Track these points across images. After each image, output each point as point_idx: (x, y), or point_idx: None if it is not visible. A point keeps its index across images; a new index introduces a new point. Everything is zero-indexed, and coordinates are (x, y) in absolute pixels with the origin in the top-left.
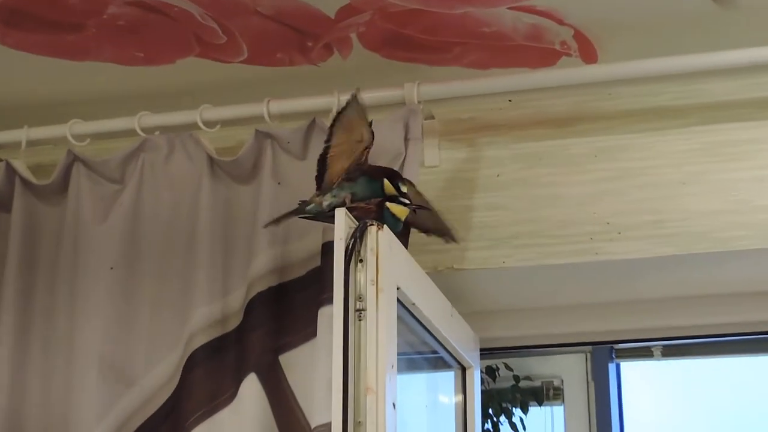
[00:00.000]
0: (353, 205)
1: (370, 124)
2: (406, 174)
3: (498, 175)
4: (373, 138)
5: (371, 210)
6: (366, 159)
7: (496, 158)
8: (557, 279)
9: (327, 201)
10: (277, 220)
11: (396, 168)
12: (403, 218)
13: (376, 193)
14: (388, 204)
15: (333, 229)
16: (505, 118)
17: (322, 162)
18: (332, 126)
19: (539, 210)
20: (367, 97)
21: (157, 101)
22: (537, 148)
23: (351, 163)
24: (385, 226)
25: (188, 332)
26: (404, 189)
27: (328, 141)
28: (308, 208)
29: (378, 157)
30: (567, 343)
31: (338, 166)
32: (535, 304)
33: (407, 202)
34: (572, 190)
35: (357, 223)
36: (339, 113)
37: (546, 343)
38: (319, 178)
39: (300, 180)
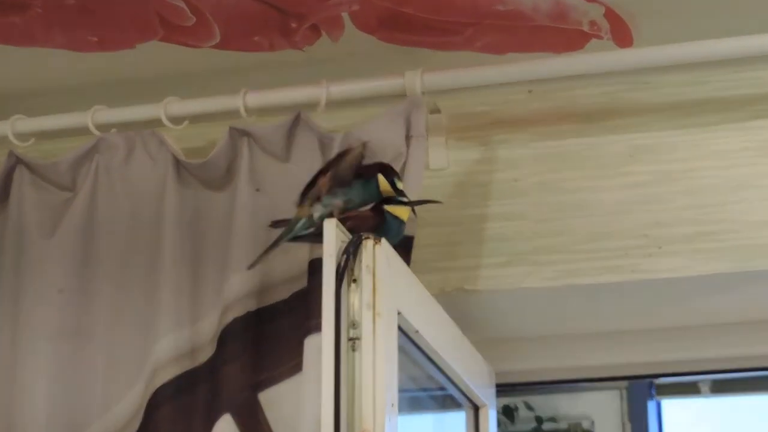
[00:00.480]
0: (347, 215)
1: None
2: (408, 178)
3: (516, 180)
4: (361, 153)
5: (369, 218)
6: (362, 158)
7: (514, 159)
8: (586, 302)
9: (318, 212)
10: (266, 252)
11: (397, 169)
12: (406, 219)
13: (373, 196)
14: (387, 207)
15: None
16: (524, 112)
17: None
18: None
19: (565, 220)
20: (362, 87)
21: (115, 94)
22: (562, 147)
23: (344, 164)
24: (383, 240)
25: (151, 366)
26: (400, 185)
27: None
28: (298, 225)
29: (377, 157)
30: (598, 377)
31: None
32: (561, 331)
33: (406, 199)
34: (603, 196)
35: (350, 237)
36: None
37: (574, 378)
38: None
39: (282, 186)
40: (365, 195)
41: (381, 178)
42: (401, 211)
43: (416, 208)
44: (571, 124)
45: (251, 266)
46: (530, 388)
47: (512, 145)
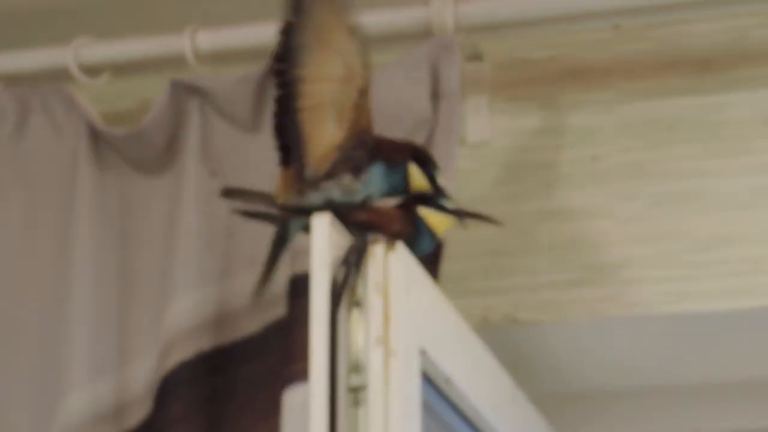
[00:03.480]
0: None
1: (364, 45)
2: (437, 154)
3: (594, 159)
4: (370, 71)
5: (394, 219)
6: (368, 120)
7: (592, 129)
8: (700, 339)
9: (310, 203)
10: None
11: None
12: (442, 233)
13: (398, 190)
14: (422, 210)
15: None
16: (607, 60)
17: (290, 120)
18: (293, 38)
19: (669, 218)
20: (368, 22)
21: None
22: (663, 111)
23: (349, 130)
24: (398, 245)
25: None
26: (441, 180)
27: (290, 70)
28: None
29: (389, 127)
30: None
31: (323, 132)
32: (661, 382)
33: (450, 206)
34: (726, 183)
35: (350, 240)
36: (302, 9)
37: None
38: (285, 151)
39: (248, 168)
40: (385, 187)
41: (413, 169)
42: (439, 221)
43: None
44: (678, 77)
45: (259, 292)
46: None
47: (589, 109)
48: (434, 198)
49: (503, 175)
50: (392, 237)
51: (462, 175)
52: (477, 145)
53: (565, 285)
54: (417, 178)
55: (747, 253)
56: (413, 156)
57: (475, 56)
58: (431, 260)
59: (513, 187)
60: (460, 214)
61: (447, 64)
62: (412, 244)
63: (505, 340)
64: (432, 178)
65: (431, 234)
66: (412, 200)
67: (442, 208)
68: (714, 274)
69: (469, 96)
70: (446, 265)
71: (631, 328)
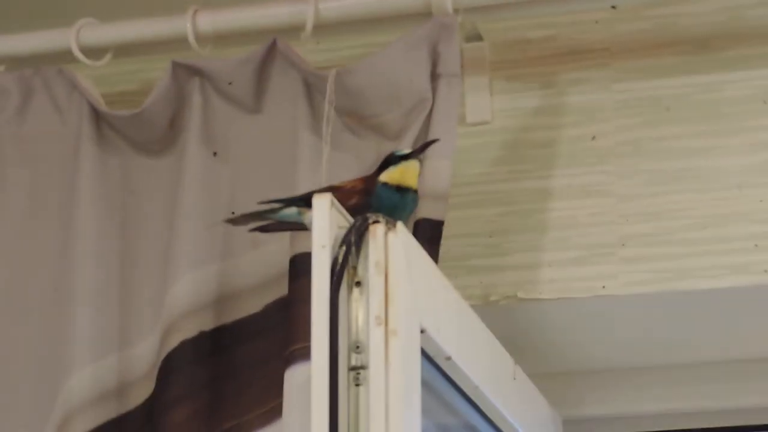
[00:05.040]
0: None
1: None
2: (436, 135)
3: (594, 138)
4: None
5: (354, 192)
6: None
7: (591, 108)
8: (699, 316)
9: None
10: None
11: (419, 124)
12: (414, 182)
13: (397, 203)
14: (381, 177)
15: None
16: (605, 39)
17: None
18: None
19: (666, 196)
20: (370, 1)
21: (2, 14)
22: (662, 90)
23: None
24: (399, 225)
25: (61, 412)
26: (401, 153)
27: None
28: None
29: (388, 107)
30: (719, 427)
31: None
32: (662, 360)
33: (407, 151)
34: (724, 162)
35: (351, 220)
36: None
37: (680, 429)
38: None
39: (250, 148)
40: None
41: (390, 174)
42: (401, 172)
43: (439, 179)
44: (676, 55)
45: (233, 222)
46: None
47: (588, 88)
48: (389, 159)
49: (503, 155)
50: (351, 211)
51: (462, 155)
52: (477, 124)
53: (565, 263)
54: (400, 176)
55: (746, 231)
56: (377, 172)
57: (475, 36)
58: (431, 242)
59: (513, 166)
60: (414, 155)
61: (446, 44)
62: (396, 209)
63: (506, 319)
64: (395, 158)
65: (401, 189)
66: (376, 171)
67: (397, 160)
68: (713, 251)
69: (469, 76)
70: (447, 244)
71: (631, 306)
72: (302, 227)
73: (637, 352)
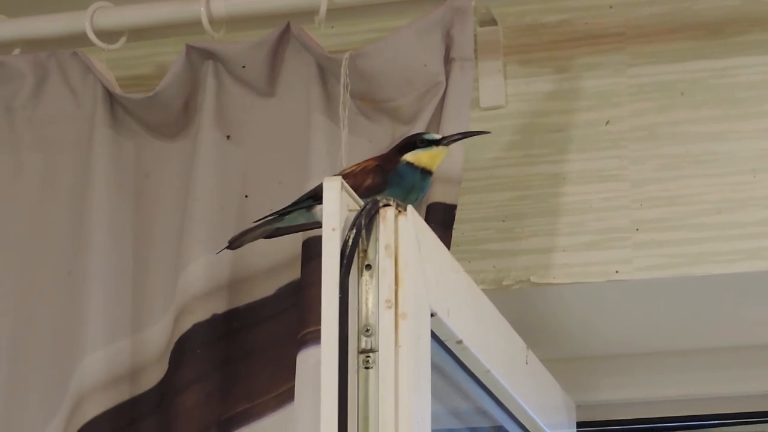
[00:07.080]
0: (343, 172)
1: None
2: (449, 119)
3: (608, 122)
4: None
5: (368, 174)
6: None
7: (605, 93)
8: (714, 302)
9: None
10: (261, 226)
11: (432, 108)
12: (435, 167)
13: (416, 183)
14: (406, 156)
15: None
16: (620, 23)
17: None
18: None
19: (680, 180)
20: None
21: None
22: (676, 73)
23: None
24: (409, 208)
25: (74, 395)
26: (430, 137)
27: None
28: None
29: (402, 91)
30: (733, 413)
31: None
32: (676, 345)
33: (438, 136)
34: (739, 146)
35: (361, 203)
36: None
37: (694, 414)
38: None
39: (264, 131)
40: (407, 184)
41: (413, 156)
42: (429, 157)
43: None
44: (691, 40)
45: (234, 244)
46: (627, 429)
47: (602, 72)
48: (416, 140)
49: (517, 139)
50: (368, 192)
51: (476, 139)
52: (491, 109)
53: (579, 248)
54: (429, 160)
55: (760, 216)
56: (399, 151)
57: (489, 20)
58: (443, 225)
59: (527, 151)
60: (446, 142)
61: (460, 28)
62: (396, 183)
63: (520, 303)
64: (421, 140)
65: (424, 172)
66: (397, 150)
67: (428, 143)
68: (727, 236)
69: (483, 60)
70: (461, 228)
71: (645, 291)
72: (314, 225)
73: (651, 337)
